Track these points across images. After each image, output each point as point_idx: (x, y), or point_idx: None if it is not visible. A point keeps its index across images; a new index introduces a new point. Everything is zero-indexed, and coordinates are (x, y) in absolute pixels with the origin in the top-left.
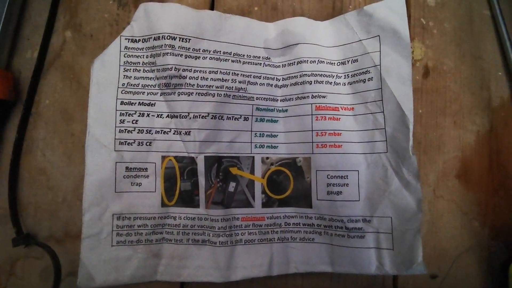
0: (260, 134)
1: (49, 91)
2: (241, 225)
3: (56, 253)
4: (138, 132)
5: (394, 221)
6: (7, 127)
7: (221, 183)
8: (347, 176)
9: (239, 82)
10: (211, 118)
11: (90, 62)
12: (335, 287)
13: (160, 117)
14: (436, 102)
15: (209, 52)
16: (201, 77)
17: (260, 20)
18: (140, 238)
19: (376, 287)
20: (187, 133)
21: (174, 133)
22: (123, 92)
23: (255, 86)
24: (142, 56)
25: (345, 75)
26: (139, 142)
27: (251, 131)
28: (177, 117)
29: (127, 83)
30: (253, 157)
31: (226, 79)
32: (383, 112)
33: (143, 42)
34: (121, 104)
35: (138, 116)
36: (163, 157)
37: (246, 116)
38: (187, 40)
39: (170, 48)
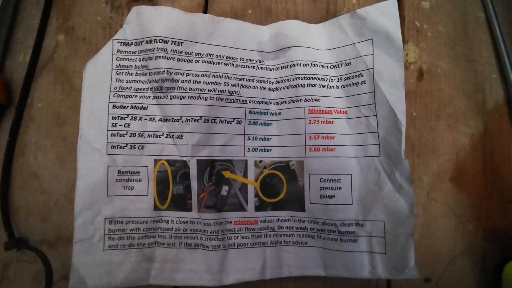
0: (253, 137)
1: (41, 95)
2: (234, 228)
3: (48, 257)
4: (130, 136)
5: (386, 225)
6: None
7: (214, 187)
8: (340, 179)
9: (232, 85)
10: (204, 122)
11: (82, 65)
12: None
13: (153, 120)
14: (430, 105)
15: (202, 55)
16: (193, 81)
17: (254, 23)
18: (133, 242)
19: None
20: (180, 137)
21: (166, 137)
22: (116, 95)
23: (248, 89)
24: (134, 60)
25: (338, 78)
26: (132, 145)
27: (244, 134)
28: (170, 121)
29: (120, 87)
30: (246, 160)
31: (218, 83)
32: (376, 115)
33: (135, 45)
34: (113, 107)
35: (131, 119)
36: (156, 161)
37: (239, 120)
38: (180, 43)
39: (163, 51)
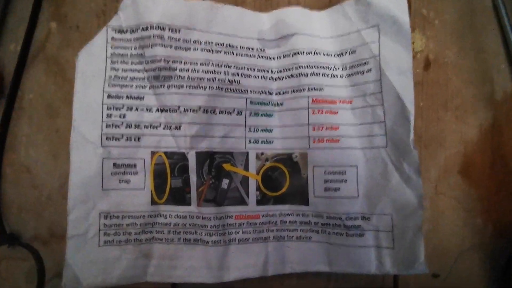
0: (254, 129)
1: (33, 85)
2: (235, 223)
3: (41, 254)
4: (126, 127)
5: (394, 219)
6: None
7: (214, 180)
8: (345, 171)
9: (232, 74)
10: (203, 112)
11: (75, 54)
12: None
13: (150, 111)
14: (438, 95)
15: (200, 43)
16: (192, 69)
17: (254, 10)
18: (129, 238)
19: (376, 287)
20: (178, 128)
21: (164, 128)
22: (110, 85)
23: (249, 79)
24: (130, 48)
25: (342, 67)
26: (127, 137)
27: (245, 125)
28: (167, 111)
29: (114, 76)
30: (247, 153)
31: (218, 72)
32: (382, 105)
33: (131, 33)
34: (108, 97)
35: (126, 110)
36: (153, 153)
37: (239, 110)
38: (177, 30)
39: (159, 39)
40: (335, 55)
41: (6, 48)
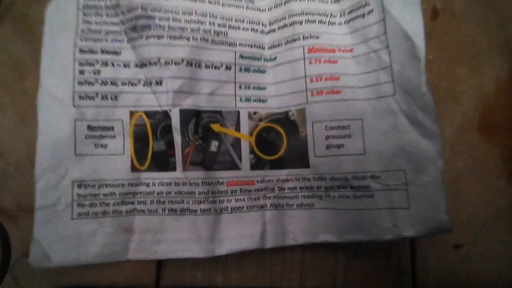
0: (245, 86)
1: (0, 47)
2: (227, 190)
3: (7, 230)
4: (101, 84)
5: (408, 174)
6: None
7: (201, 142)
8: (348, 126)
9: (218, 25)
10: (186, 65)
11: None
12: (342, 262)
13: (127, 66)
14: (448, 47)
15: None
16: (173, 18)
17: None
18: (107, 210)
19: (391, 260)
20: (159, 83)
21: (144, 85)
22: (83, 39)
23: (238, 31)
24: None
25: (341, 13)
26: (103, 95)
27: (235, 82)
28: (146, 65)
29: (87, 29)
30: (238, 112)
31: (202, 22)
32: (387, 47)
33: None
34: (80, 52)
35: (101, 66)
36: (132, 113)
37: (228, 65)
38: None
39: None
40: (332, 2)
41: None
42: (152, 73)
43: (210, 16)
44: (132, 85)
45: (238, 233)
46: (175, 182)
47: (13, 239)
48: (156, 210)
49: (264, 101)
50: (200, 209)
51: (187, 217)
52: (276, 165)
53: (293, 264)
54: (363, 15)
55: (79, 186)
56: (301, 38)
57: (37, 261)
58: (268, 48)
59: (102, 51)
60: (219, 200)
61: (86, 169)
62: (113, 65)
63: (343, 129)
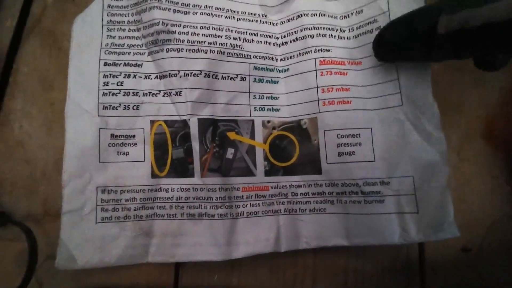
0: (259, 96)
1: (28, 59)
2: (242, 196)
3: (34, 233)
4: (124, 95)
5: (416, 180)
6: None
7: (218, 149)
8: (359, 134)
9: (234, 38)
10: (204, 77)
11: (71, 27)
12: (352, 265)
13: (148, 78)
14: None
15: (200, 7)
16: (191, 33)
17: None
18: (128, 214)
19: (400, 263)
20: (178, 94)
21: (163, 95)
22: (107, 52)
23: (252, 43)
24: (127, 15)
25: (349, 29)
26: (125, 105)
27: (249, 92)
28: (166, 77)
29: (111, 43)
30: (253, 120)
31: (219, 35)
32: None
33: None
34: (104, 65)
35: (124, 77)
36: (152, 122)
37: (243, 76)
38: None
39: (157, 1)
40: (341, 17)
41: (1, 25)
42: (172, 84)
43: (226, 30)
44: (152, 95)
45: (254, 237)
46: (193, 188)
47: (39, 243)
48: (175, 214)
49: (277, 110)
50: (218, 214)
51: (205, 222)
52: (289, 171)
53: (306, 267)
54: (371, 31)
55: (103, 191)
56: (313, 51)
57: (63, 263)
58: (280, 60)
59: (125, 64)
60: (235, 205)
61: (109, 175)
62: (135, 76)
63: (354, 137)
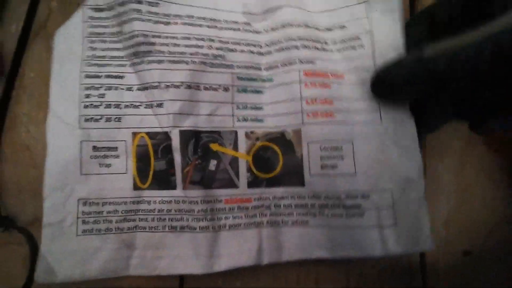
0: (242, 106)
1: (33, 64)
2: (225, 208)
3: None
4: (105, 107)
5: (394, 194)
6: None
7: (200, 161)
8: (341, 147)
9: (216, 48)
10: (186, 88)
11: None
12: (354, 269)
13: (130, 90)
14: None
15: (181, 17)
16: (172, 44)
17: None
18: (110, 226)
19: (401, 266)
20: (159, 105)
21: (145, 107)
22: (88, 64)
23: (235, 53)
24: (108, 26)
25: (332, 42)
26: (107, 118)
27: (232, 103)
28: (148, 89)
29: (93, 55)
30: (236, 131)
31: (201, 46)
32: None
33: (108, 10)
34: (86, 77)
35: (105, 89)
36: (134, 134)
37: (226, 86)
38: (156, 4)
39: (137, 13)
40: (325, 30)
41: (7, 29)
42: (153, 96)
43: (208, 40)
44: (134, 107)
45: (236, 250)
46: (175, 200)
47: None
48: (157, 227)
49: (261, 120)
50: (199, 227)
51: (186, 234)
52: (273, 183)
53: (308, 271)
54: (354, 47)
55: (84, 203)
56: (298, 62)
57: (42, 276)
58: (264, 69)
59: (107, 76)
60: (218, 217)
61: (91, 187)
62: (116, 88)
63: (337, 150)
